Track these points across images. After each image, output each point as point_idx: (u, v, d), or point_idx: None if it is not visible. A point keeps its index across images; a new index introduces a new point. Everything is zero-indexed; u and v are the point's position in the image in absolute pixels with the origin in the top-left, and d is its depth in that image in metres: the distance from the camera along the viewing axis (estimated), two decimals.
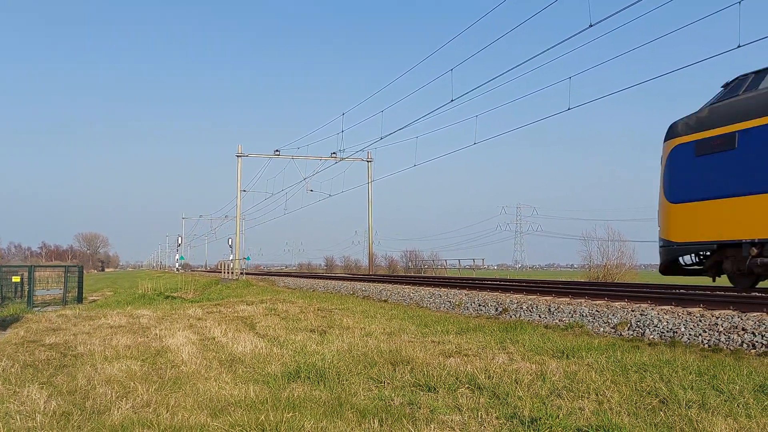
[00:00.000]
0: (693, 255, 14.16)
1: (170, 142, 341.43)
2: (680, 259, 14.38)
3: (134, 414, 5.39)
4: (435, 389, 6.12)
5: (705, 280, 16.85)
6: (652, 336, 9.39)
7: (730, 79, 13.76)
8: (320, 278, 32.59)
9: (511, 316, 12.61)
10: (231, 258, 46.73)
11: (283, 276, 42.70)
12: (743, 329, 8.49)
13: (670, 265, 14.61)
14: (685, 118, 14.26)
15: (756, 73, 13.15)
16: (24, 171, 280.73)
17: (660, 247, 14.62)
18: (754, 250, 12.36)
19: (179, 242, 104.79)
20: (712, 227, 13.19)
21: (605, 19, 14.08)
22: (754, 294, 12.44)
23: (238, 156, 43.35)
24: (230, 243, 55.71)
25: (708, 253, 13.83)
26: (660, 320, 9.69)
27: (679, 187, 14.06)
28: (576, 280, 24.85)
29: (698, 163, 13.50)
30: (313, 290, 25.84)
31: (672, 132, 14.52)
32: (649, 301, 11.66)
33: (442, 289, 18.59)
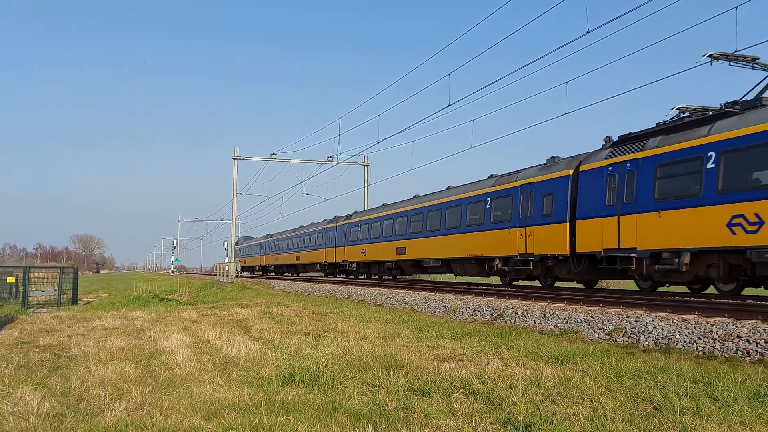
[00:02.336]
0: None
1: (167, 144, 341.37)
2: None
3: (128, 416, 5.37)
4: (429, 394, 6.11)
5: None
6: (646, 342, 9.40)
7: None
8: (315, 282, 32.50)
9: (506, 322, 12.61)
10: (226, 261, 46.63)
11: (279, 279, 42.61)
12: (738, 337, 8.50)
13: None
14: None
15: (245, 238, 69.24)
16: (20, 172, 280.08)
17: None
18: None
19: (174, 245, 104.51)
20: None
21: (603, 25, 14.16)
22: (749, 301, 12.49)
23: (234, 159, 43.26)
24: (225, 246, 55.92)
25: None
26: (655, 327, 9.70)
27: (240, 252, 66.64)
28: (571, 286, 25.02)
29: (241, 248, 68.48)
30: (308, 294, 25.80)
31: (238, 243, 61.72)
32: (644, 308, 11.67)
33: (437, 293, 18.58)
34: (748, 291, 15.06)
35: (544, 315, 12.10)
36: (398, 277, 33.45)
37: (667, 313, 10.62)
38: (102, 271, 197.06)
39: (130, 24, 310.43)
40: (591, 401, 5.66)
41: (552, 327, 11.38)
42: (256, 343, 9.88)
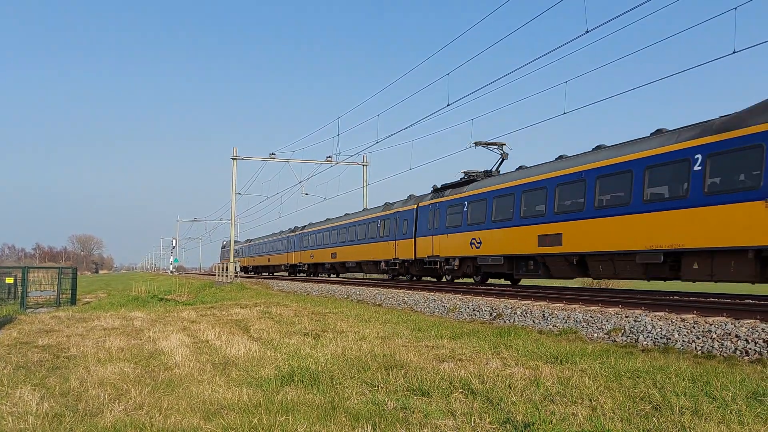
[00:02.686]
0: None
1: (165, 144, 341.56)
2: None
3: (127, 416, 5.37)
4: (428, 394, 6.11)
5: (700, 287, 16.96)
6: (645, 342, 9.40)
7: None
8: (314, 282, 32.58)
9: (505, 321, 12.61)
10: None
11: (278, 279, 42.63)
12: (736, 336, 8.51)
13: None
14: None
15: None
16: (18, 172, 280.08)
17: None
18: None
19: (173, 245, 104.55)
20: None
21: (602, 25, 14.19)
22: (747, 301, 12.51)
23: (233, 159, 43.20)
24: (223, 244, 55.81)
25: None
26: (654, 326, 9.71)
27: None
28: (570, 285, 25.23)
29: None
30: (307, 294, 25.80)
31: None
32: (642, 308, 11.68)
33: (437, 293, 18.58)
34: (737, 289, 15.04)
35: (543, 315, 12.11)
36: (340, 275, 43.04)
37: (666, 313, 10.63)
38: (101, 272, 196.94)
39: (128, 24, 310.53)
40: (590, 401, 5.67)
41: (551, 327, 11.39)
42: (255, 343, 9.88)
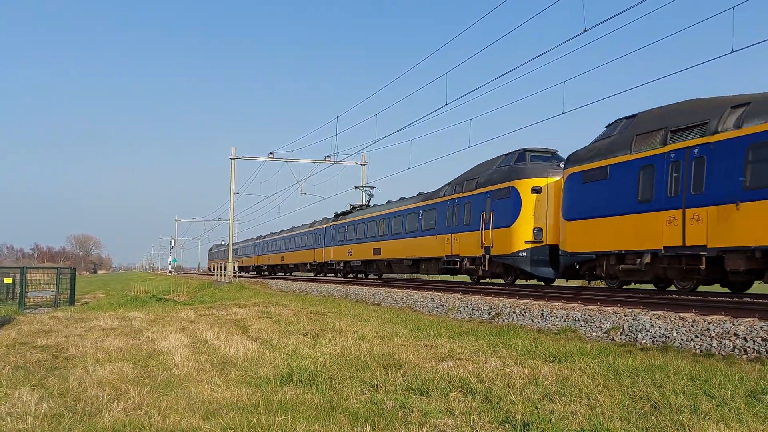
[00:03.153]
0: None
1: (164, 143, 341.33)
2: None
3: (126, 416, 5.37)
4: (427, 393, 6.11)
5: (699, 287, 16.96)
6: (644, 341, 9.41)
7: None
8: (313, 281, 32.57)
9: (503, 321, 12.62)
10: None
11: (276, 279, 42.63)
12: (735, 334, 8.52)
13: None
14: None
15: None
16: (17, 172, 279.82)
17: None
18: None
19: (172, 245, 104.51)
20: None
21: (599, 24, 14.21)
22: (746, 299, 12.52)
23: (231, 158, 43.10)
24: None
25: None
26: (652, 325, 9.72)
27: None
28: (570, 285, 25.27)
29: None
30: (306, 293, 25.79)
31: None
32: (641, 306, 11.69)
33: (435, 292, 18.59)
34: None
35: (542, 314, 12.12)
36: (290, 274, 55.55)
37: (665, 312, 10.64)
38: (99, 272, 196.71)
39: (127, 24, 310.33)
40: (589, 400, 5.67)
41: (550, 325, 11.39)
42: (254, 342, 9.87)
